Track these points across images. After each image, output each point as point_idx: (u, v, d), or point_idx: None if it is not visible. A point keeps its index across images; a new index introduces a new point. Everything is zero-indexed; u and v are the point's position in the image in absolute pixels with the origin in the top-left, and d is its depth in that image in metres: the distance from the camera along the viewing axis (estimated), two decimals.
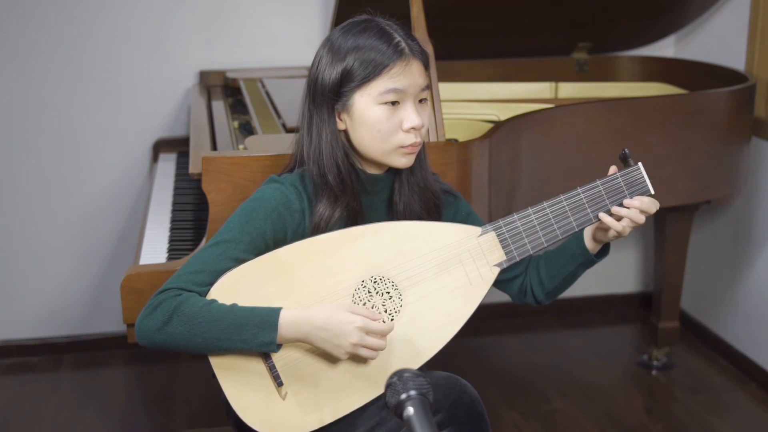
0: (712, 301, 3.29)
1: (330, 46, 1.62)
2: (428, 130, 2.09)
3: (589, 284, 3.57)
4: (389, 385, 1.25)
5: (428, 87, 1.64)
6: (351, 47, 1.58)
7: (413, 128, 1.59)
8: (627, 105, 2.60)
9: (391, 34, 1.60)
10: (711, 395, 2.96)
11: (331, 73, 1.60)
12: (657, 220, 3.01)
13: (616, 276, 3.62)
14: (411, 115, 1.59)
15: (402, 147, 1.61)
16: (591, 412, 2.83)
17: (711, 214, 3.25)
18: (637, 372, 3.12)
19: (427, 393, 1.24)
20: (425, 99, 1.64)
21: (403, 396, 1.22)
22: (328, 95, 1.61)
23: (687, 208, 2.89)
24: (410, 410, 1.21)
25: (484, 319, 3.43)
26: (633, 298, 3.65)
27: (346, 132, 1.63)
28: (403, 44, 1.59)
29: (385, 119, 1.59)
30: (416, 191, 1.68)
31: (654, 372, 3.10)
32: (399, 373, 1.25)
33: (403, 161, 1.63)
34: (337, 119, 1.63)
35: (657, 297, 3.09)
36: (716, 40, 3.20)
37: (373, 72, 1.57)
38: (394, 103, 1.59)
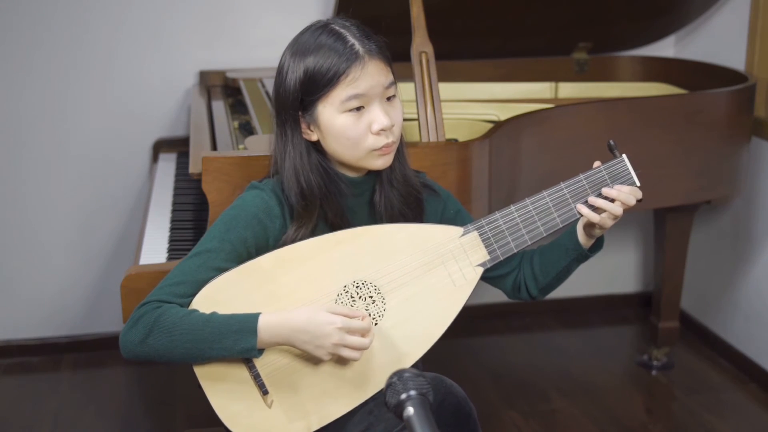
0: (712, 301, 3.29)
1: (287, 57, 1.59)
2: (427, 131, 2.09)
3: (589, 284, 3.57)
4: (389, 385, 1.25)
5: (394, 83, 1.59)
6: (306, 58, 1.55)
7: (383, 129, 1.57)
8: (627, 105, 2.60)
9: (344, 37, 1.56)
10: (711, 395, 2.96)
11: (289, 86, 1.57)
12: (657, 220, 3.01)
13: (616, 276, 3.62)
14: (379, 117, 1.56)
15: (375, 150, 1.58)
16: (591, 412, 2.83)
17: (711, 214, 3.25)
18: (637, 372, 3.11)
19: (427, 393, 1.24)
20: (393, 96, 1.60)
21: (403, 396, 1.22)
22: (290, 111, 1.58)
23: (687, 208, 2.89)
24: (410, 410, 1.21)
25: (483, 319, 3.43)
26: (633, 298, 3.65)
27: (319, 142, 1.61)
28: (357, 46, 1.55)
29: (352, 126, 1.56)
30: (395, 187, 1.66)
31: (654, 372, 3.10)
32: (399, 373, 1.25)
33: (379, 163, 1.60)
34: (308, 130, 1.60)
35: (657, 297, 3.09)
36: (716, 40, 3.20)
37: (329, 82, 1.53)
38: (359, 108, 1.56)
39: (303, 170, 1.60)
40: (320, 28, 1.59)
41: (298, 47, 1.58)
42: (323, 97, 1.55)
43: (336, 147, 1.59)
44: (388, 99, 1.59)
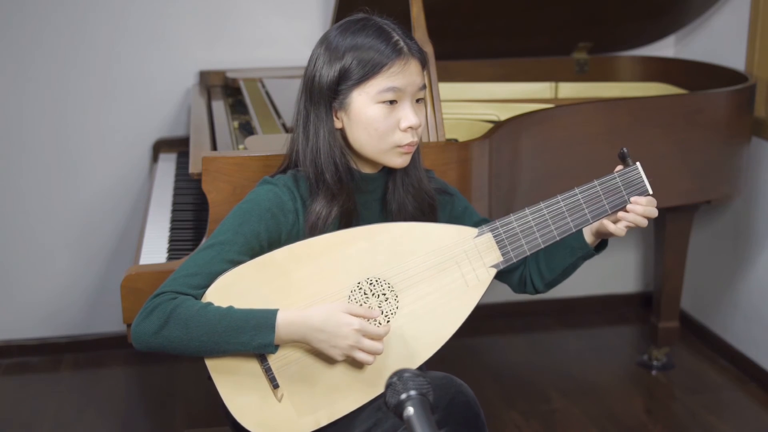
0: (712, 301, 3.29)
1: (327, 44, 1.61)
2: (427, 131, 2.10)
3: (589, 284, 3.57)
4: (389, 385, 1.25)
5: (425, 87, 1.63)
6: (349, 46, 1.58)
7: (410, 127, 1.59)
8: (627, 105, 2.60)
9: (389, 33, 1.59)
10: (711, 395, 2.96)
11: (328, 71, 1.59)
12: (657, 220, 3.00)
13: (616, 276, 3.62)
14: (409, 115, 1.59)
15: (398, 146, 1.60)
16: (591, 412, 2.83)
17: (711, 214, 3.25)
18: (637, 372, 3.12)
19: (427, 393, 1.24)
20: (422, 99, 1.63)
21: (403, 396, 1.22)
22: (325, 94, 1.60)
23: (687, 208, 2.89)
24: (410, 410, 1.20)
25: (484, 319, 3.43)
26: (633, 298, 3.65)
27: (342, 130, 1.63)
28: (401, 43, 1.59)
29: (383, 118, 1.58)
30: (410, 192, 1.68)
31: (654, 372, 3.10)
32: (399, 373, 1.25)
33: (399, 161, 1.62)
34: (335, 117, 1.62)
35: (657, 297, 3.09)
36: (716, 40, 3.20)
37: (371, 71, 1.56)
38: (392, 102, 1.58)
39: (336, 149, 1.62)
40: (363, 20, 1.62)
41: (341, 35, 1.60)
42: (361, 84, 1.57)
43: (361, 136, 1.60)
44: (417, 101, 1.62)
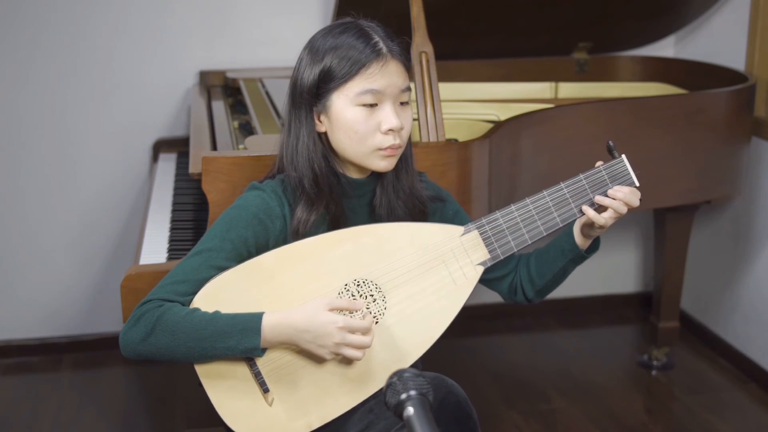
0: (712, 301, 3.29)
1: (310, 47, 1.62)
2: (427, 131, 2.09)
3: (589, 284, 3.57)
4: (389, 385, 1.25)
5: (409, 89, 1.62)
6: (329, 48, 1.58)
7: (391, 130, 1.58)
8: (627, 105, 2.60)
9: (369, 34, 1.59)
10: (711, 395, 2.96)
11: (309, 74, 1.59)
12: (657, 220, 3.01)
13: (616, 276, 3.62)
14: (389, 117, 1.57)
15: (380, 149, 1.59)
16: (591, 412, 2.83)
17: (711, 214, 3.25)
18: (637, 372, 3.12)
19: (427, 393, 1.24)
20: (406, 102, 1.62)
21: (403, 396, 1.22)
22: (306, 97, 1.60)
23: (687, 208, 2.89)
24: (410, 410, 1.20)
25: (483, 319, 3.43)
26: (633, 298, 3.65)
27: (326, 134, 1.63)
28: (381, 44, 1.58)
29: (362, 120, 1.57)
30: (401, 197, 1.67)
31: (654, 372, 3.10)
32: (399, 373, 1.25)
33: (382, 164, 1.61)
34: (317, 121, 1.62)
35: (657, 297, 3.09)
36: (716, 40, 3.20)
37: (349, 72, 1.56)
38: (372, 105, 1.57)
39: (315, 157, 1.61)
40: (346, 23, 1.62)
41: (323, 38, 1.60)
42: (340, 87, 1.57)
43: (342, 139, 1.60)
44: (402, 104, 1.61)
